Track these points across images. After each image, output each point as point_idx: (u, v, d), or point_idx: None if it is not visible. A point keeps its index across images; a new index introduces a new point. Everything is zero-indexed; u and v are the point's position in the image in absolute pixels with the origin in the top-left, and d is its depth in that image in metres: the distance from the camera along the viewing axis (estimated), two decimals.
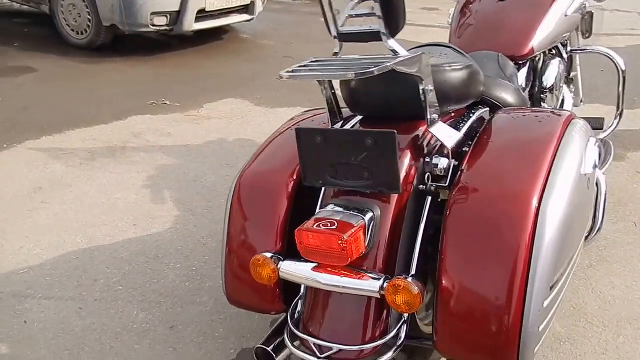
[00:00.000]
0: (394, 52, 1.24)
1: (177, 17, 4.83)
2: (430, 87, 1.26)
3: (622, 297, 2.01)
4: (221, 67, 4.84)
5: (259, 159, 1.50)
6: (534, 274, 1.14)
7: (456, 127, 1.42)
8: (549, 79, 2.13)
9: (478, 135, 1.38)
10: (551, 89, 2.14)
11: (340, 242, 1.16)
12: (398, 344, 1.25)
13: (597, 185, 1.66)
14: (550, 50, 2.23)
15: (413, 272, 1.27)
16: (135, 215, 2.49)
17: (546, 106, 2.17)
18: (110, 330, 1.84)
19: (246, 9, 5.48)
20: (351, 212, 1.24)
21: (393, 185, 1.22)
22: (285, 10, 7.43)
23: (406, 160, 1.31)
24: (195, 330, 1.84)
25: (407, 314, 1.27)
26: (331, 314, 1.29)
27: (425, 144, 1.36)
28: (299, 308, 1.36)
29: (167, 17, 4.80)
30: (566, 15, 2.15)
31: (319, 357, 1.24)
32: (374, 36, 1.25)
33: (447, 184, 1.32)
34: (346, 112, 1.48)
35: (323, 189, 1.37)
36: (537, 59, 2.16)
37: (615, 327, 1.87)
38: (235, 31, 6.08)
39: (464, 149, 1.36)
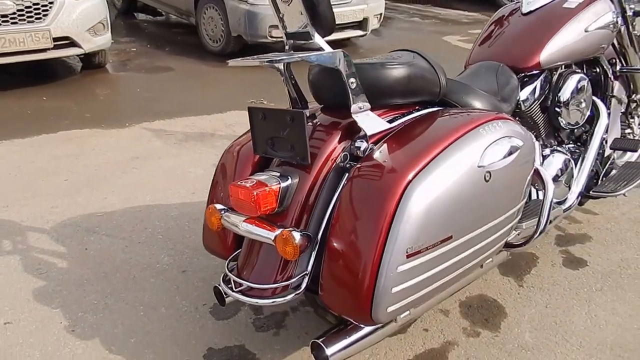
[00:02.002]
0: (320, 48, 1.51)
1: None
2: (352, 80, 1.48)
3: (618, 324, 1.98)
4: None
5: (245, 136, 1.83)
6: (390, 241, 1.32)
7: (393, 119, 1.62)
8: (563, 94, 2.16)
9: (400, 127, 1.56)
10: (566, 104, 2.17)
11: (252, 196, 1.44)
12: (298, 291, 1.48)
13: (544, 187, 1.72)
14: (569, 65, 2.24)
15: (302, 227, 1.49)
16: (196, 186, 2.95)
17: (562, 121, 2.20)
18: (139, 265, 2.27)
19: (359, 24, 5.84)
20: (276, 177, 1.52)
21: (304, 156, 1.47)
22: (411, 28, 7.66)
23: (333, 140, 1.55)
24: (199, 276, 2.20)
25: (310, 267, 1.49)
26: (250, 258, 1.57)
27: (357, 129, 1.57)
28: None
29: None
30: (586, 31, 2.16)
31: (233, 290, 1.53)
32: (305, 36, 1.53)
33: None
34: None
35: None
36: (554, 73, 2.20)
37: (592, 349, 1.85)
38: (353, 45, 6.46)
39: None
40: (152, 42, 6.53)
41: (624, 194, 2.31)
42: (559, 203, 2.18)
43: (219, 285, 1.62)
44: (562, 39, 2.13)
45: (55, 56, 4.53)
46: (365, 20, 5.85)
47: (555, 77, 2.19)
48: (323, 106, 1.70)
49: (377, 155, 1.47)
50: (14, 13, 4.18)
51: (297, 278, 1.49)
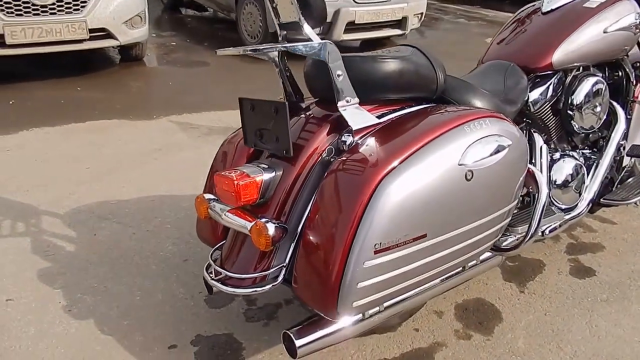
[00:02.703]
0: (308, 39, 1.50)
1: (328, 27, 5.34)
2: (340, 73, 1.47)
3: (618, 336, 1.91)
4: None
5: (240, 131, 1.84)
6: (358, 236, 1.30)
7: (383, 114, 1.59)
8: (577, 97, 2.08)
9: (387, 122, 1.54)
10: (579, 108, 2.09)
11: (233, 187, 1.46)
12: (275, 282, 1.49)
13: (537, 190, 1.66)
14: (587, 67, 2.16)
15: (284, 219, 1.49)
16: None
17: (575, 125, 2.12)
18: (143, 252, 2.33)
19: (398, 23, 5.79)
20: (260, 168, 1.53)
21: (287, 149, 1.47)
22: (456, 29, 7.55)
23: (320, 134, 1.55)
24: (200, 265, 2.22)
25: (288, 259, 1.49)
26: (232, 248, 1.59)
27: (346, 123, 1.55)
28: None
29: (320, 27, 5.33)
30: (606, 32, 2.07)
31: (212, 279, 1.55)
32: (296, 26, 1.53)
33: None
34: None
35: None
36: (568, 74, 2.12)
37: (586, 359, 1.80)
38: (393, 44, 6.41)
39: None
40: (192, 37, 6.66)
41: (635, 203, 2.21)
42: (568, 209, 2.11)
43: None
44: (577, 40, 2.05)
45: (91, 47, 4.67)
46: (405, 19, 5.80)
47: (568, 79, 2.12)
48: (318, 99, 1.70)
49: (357, 150, 1.46)
50: (53, 4, 4.34)
51: (275, 269, 1.50)
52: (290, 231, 1.47)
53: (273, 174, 1.52)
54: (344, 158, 1.45)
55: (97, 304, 2.00)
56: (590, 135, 2.23)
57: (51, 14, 4.37)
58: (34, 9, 4.30)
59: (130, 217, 2.60)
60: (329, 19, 5.28)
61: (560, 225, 2.03)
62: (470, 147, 1.44)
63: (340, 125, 1.56)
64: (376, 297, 1.39)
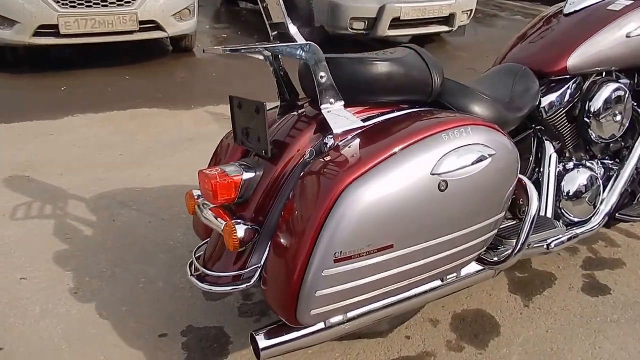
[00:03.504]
0: (293, 40, 1.50)
1: (374, 23, 5.29)
2: (323, 74, 1.45)
3: (622, 359, 1.81)
4: None
5: None
6: (319, 244, 1.28)
7: (370, 118, 1.56)
8: (595, 104, 1.96)
9: (369, 127, 1.50)
10: (597, 115, 1.97)
11: (211, 185, 1.47)
12: (249, 283, 1.48)
13: (528, 202, 1.59)
14: (610, 72, 2.04)
15: (258, 219, 1.48)
16: None
17: (593, 134, 2.01)
18: (154, 240, 2.40)
19: (446, 20, 5.66)
20: (242, 168, 1.53)
21: (265, 149, 1.47)
22: (510, 27, 7.28)
23: (304, 135, 1.53)
24: None
25: (263, 260, 1.49)
26: (214, 246, 1.61)
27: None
28: None
29: (365, 22, 5.30)
30: (629, 37, 1.94)
31: (191, 274, 1.58)
32: (282, 26, 1.52)
33: None
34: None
35: None
36: (588, 79, 2.01)
37: None
38: (442, 41, 6.28)
39: None
40: (245, 29, 6.77)
41: None
42: (580, 223, 2.00)
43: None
44: (596, 44, 1.94)
45: (141, 38, 4.84)
46: (452, 16, 5.66)
47: (586, 85, 2.00)
48: (311, 100, 1.69)
49: (332, 154, 1.44)
50: None
51: (250, 269, 1.50)
52: (266, 232, 1.47)
53: (254, 174, 1.51)
54: (318, 161, 1.43)
55: (101, 288, 2.08)
56: (611, 145, 2.11)
57: (103, 6, 4.55)
58: (87, 1, 4.50)
59: (150, 206, 2.69)
60: (374, 15, 5.24)
61: (569, 239, 1.93)
62: (445, 157, 1.39)
63: (326, 127, 1.54)
64: (337, 306, 1.37)
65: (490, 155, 1.46)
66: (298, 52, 1.44)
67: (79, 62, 5.09)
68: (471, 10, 5.95)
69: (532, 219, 1.59)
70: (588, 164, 2.04)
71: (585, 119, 1.99)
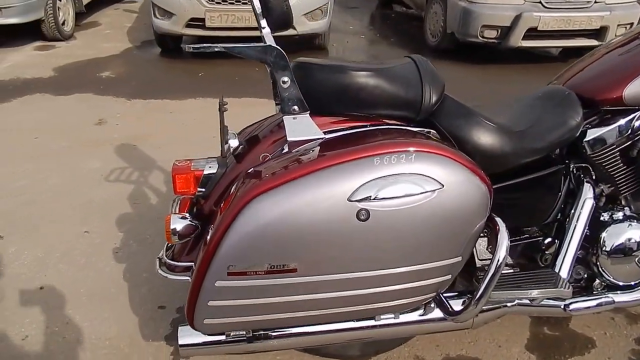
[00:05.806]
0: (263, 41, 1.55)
1: (507, 32, 5.02)
2: (285, 79, 1.40)
3: None
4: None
5: (256, 124, 1.84)
6: (216, 253, 1.28)
7: (335, 130, 1.47)
8: None
9: (320, 140, 1.43)
10: None
11: (173, 176, 1.55)
12: (190, 277, 1.50)
13: (494, 249, 1.44)
14: None
15: (210, 215, 1.51)
16: None
17: None
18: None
19: (596, 34, 5.14)
20: (209, 163, 1.57)
21: (222, 149, 1.53)
22: None
23: (271, 139, 1.55)
24: None
25: None
26: None
27: None
28: None
29: (497, 30, 5.05)
30: None
31: (157, 258, 1.66)
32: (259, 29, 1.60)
33: None
34: None
35: None
36: None
37: None
38: None
39: None
40: (383, 31, 6.86)
41: None
42: (625, 288, 1.74)
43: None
44: None
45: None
46: (604, 29, 5.13)
47: None
48: None
49: (266, 163, 1.41)
50: None
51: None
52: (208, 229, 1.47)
53: (216, 170, 1.54)
54: (254, 168, 1.39)
55: (136, 253, 2.37)
56: None
57: (243, 3, 5.00)
58: None
59: (159, 194, 2.87)
60: (508, 23, 4.98)
61: (598, 305, 1.69)
62: (370, 183, 1.27)
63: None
64: (233, 320, 1.36)
65: (434, 190, 1.32)
66: (258, 55, 1.40)
67: (221, 53, 5.61)
68: (631, 24, 5.32)
69: (496, 266, 1.42)
70: None
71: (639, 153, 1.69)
